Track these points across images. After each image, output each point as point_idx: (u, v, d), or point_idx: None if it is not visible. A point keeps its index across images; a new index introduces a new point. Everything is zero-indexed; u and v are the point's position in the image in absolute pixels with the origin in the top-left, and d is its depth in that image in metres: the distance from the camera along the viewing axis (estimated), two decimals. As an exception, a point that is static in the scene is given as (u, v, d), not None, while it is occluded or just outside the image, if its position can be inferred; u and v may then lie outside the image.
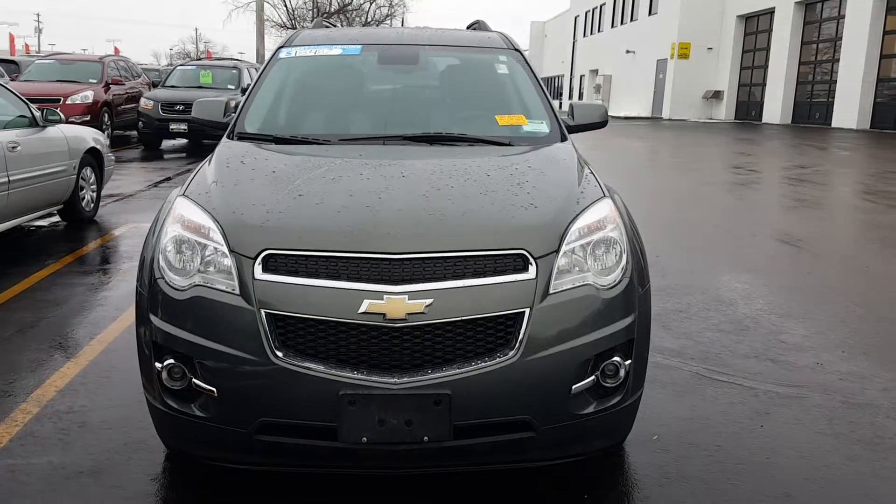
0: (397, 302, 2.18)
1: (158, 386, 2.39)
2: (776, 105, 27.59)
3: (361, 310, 2.17)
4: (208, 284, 2.31)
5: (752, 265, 5.89)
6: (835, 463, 2.89)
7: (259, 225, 2.36)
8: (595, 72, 46.33)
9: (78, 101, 14.02)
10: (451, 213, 2.42)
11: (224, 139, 3.25)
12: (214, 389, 2.26)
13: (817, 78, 25.97)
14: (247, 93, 3.53)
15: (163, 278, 2.39)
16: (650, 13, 36.99)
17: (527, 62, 3.78)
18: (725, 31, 31.87)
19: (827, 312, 4.70)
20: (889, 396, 3.48)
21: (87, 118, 13.79)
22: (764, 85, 28.91)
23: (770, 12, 28.39)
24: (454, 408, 2.20)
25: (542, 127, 3.41)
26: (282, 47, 3.79)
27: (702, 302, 4.87)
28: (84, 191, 7.11)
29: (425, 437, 2.20)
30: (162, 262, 2.42)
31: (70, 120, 12.91)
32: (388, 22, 43.53)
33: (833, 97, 24.29)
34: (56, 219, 7.24)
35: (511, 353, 2.23)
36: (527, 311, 2.26)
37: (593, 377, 2.38)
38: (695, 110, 32.78)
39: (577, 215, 2.49)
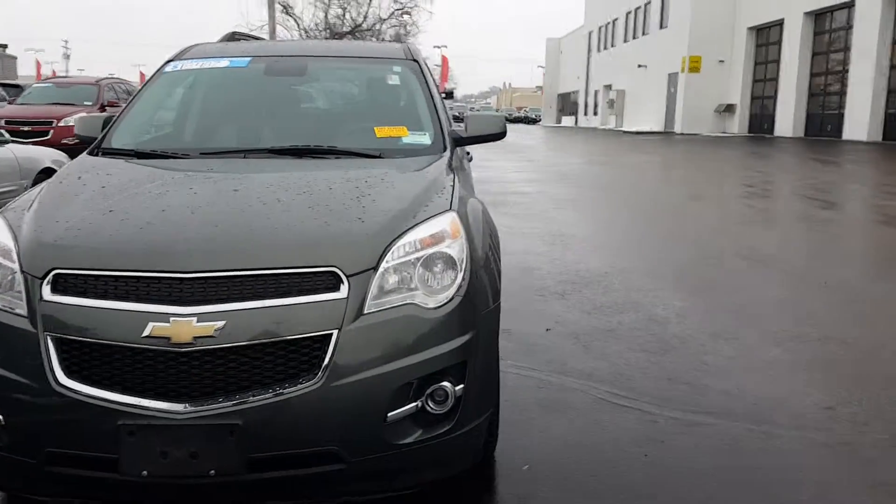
0: (183, 325, 2.03)
1: None
2: (788, 118, 27.18)
3: (145, 333, 2.03)
4: (4, 308, 2.19)
5: (704, 283, 5.66)
6: (711, 497, 2.67)
7: (51, 243, 2.24)
8: (609, 87, 46.15)
9: (71, 124, 14.14)
10: (262, 229, 2.27)
11: (83, 155, 3.15)
12: (1, 418, 2.13)
13: (828, 89, 25.55)
14: (123, 107, 3.44)
15: None
16: (661, 27, 36.82)
17: (423, 73, 3.63)
18: (737, 44, 31.55)
19: (764, 332, 4.46)
20: (798, 424, 3.24)
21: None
22: (776, 97, 28.51)
23: (780, 23, 28.05)
24: (248, 439, 2.04)
25: (424, 139, 3.26)
26: (170, 61, 3.70)
27: (634, 321, 4.66)
28: (37, 211, 7.06)
29: (211, 471, 2.04)
30: None
31: (63, 142, 13.06)
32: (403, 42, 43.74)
33: (844, 109, 23.86)
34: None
35: (314, 379, 2.08)
36: (334, 332, 2.10)
37: (416, 403, 2.21)
38: (707, 124, 32.43)
39: (408, 230, 2.33)
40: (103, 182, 2.72)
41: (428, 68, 4.32)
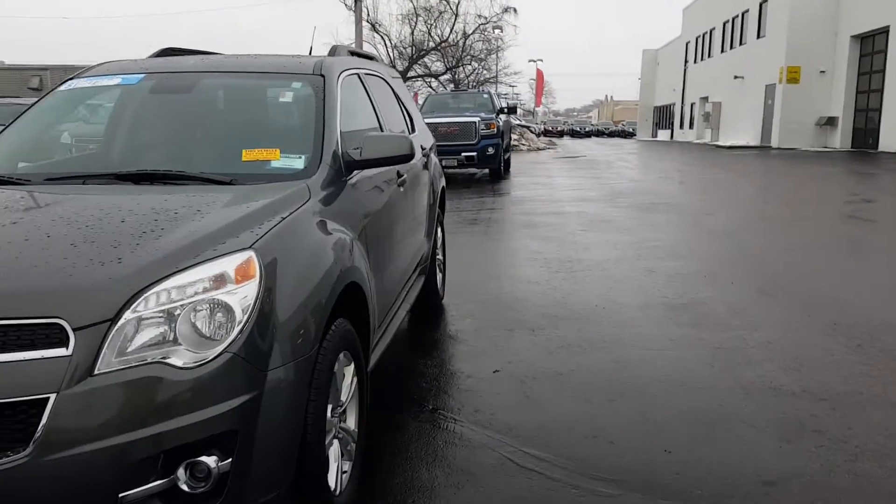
0: None
1: None
2: (893, 132, 25.21)
3: None
4: None
5: (704, 320, 5.10)
6: None
7: None
8: (705, 99, 44.41)
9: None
10: None
11: None
12: None
13: (938, 100, 23.52)
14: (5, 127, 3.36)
15: None
16: (759, 36, 35.09)
17: (325, 89, 3.34)
18: (839, 53, 29.58)
19: (739, 381, 3.92)
20: (718, 501, 2.76)
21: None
22: (881, 110, 26.51)
23: (885, 31, 26.12)
24: None
25: (296, 163, 3.00)
26: (71, 79, 3.59)
27: (596, 364, 4.21)
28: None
29: None
30: None
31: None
32: (493, 57, 43.51)
33: (955, 121, 21.88)
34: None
35: (24, 452, 1.83)
36: (52, 396, 1.85)
37: (167, 479, 1.95)
38: (807, 138, 30.52)
39: (175, 273, 2.05)
40: None
41: (365, 81, 4.04)
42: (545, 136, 52.93)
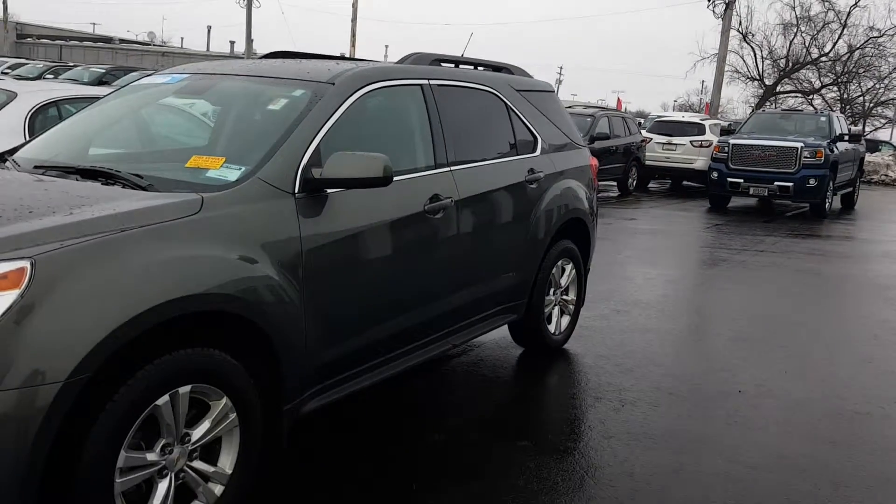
0: None
1: None
2: None
3: None
4: None
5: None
6: None
7: None
8: None
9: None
10: None
11: None
12: None
13: None
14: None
15: None
16: None
17: (323, 98, 3.09)
18: None
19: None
20: None
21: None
22: None
23: None
24: None
25: (231, 174, 2.83)
26: (147, 75, 3.90)
27: (653, 465, 3.32)
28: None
29: None
30: None
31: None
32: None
33: None
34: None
35: None
36: None
37: None
38: None
39: None
40: None
41: (432, 94, 3.72)
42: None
